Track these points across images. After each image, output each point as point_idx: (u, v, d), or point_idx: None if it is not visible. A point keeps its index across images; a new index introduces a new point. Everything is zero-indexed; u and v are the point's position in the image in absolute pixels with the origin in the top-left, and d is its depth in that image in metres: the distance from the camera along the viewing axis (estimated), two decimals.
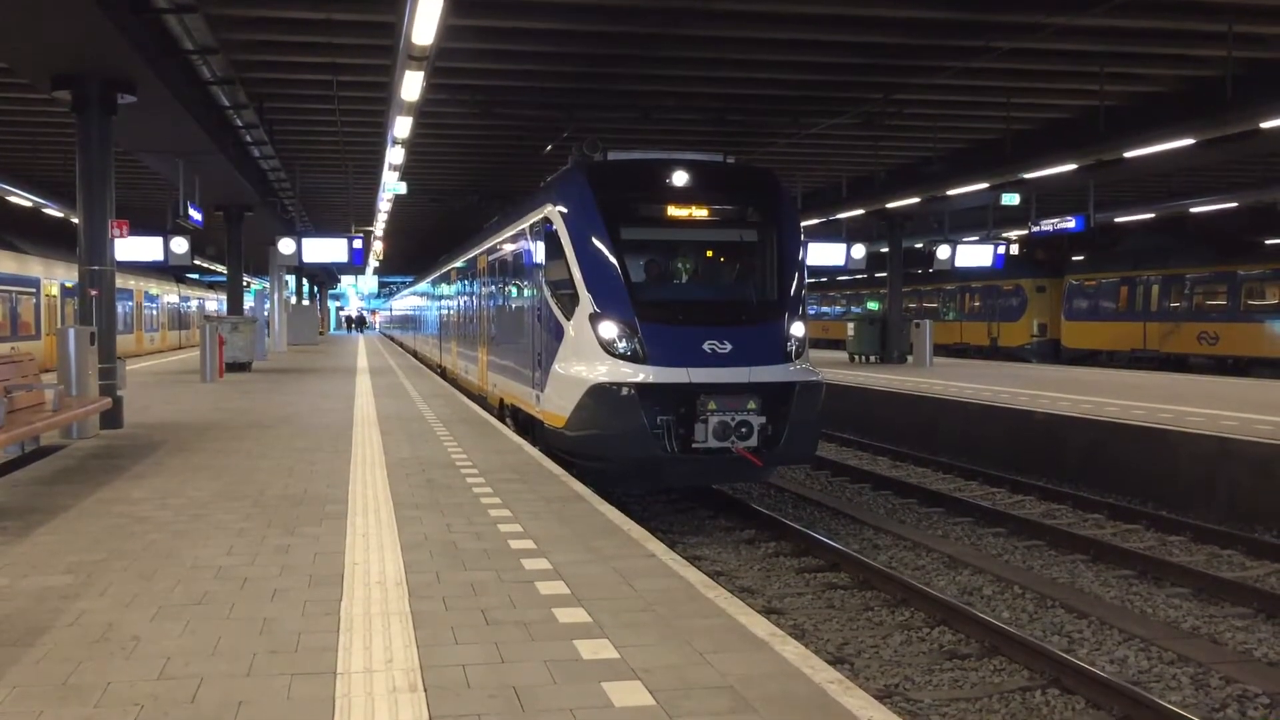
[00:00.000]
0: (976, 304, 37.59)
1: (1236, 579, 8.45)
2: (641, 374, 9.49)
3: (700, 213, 10.54)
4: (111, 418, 11.52)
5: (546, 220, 10.88)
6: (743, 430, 9.42)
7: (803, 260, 10.70)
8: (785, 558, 9.45)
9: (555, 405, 10.21)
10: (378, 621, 4.55)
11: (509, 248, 13.66)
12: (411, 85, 11.40)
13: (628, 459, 9.64)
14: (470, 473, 8.65)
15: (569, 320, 10.12)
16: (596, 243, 10.09)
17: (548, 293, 10.72)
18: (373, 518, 6.77)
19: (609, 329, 9.70)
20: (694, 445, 9.43)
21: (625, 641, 4.32)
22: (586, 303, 9.90)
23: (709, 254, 11.29)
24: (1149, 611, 7.89)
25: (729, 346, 9.63)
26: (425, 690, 3.75)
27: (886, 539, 10.27)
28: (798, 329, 10.16)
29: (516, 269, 13.09)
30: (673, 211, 10.47)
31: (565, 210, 10.49)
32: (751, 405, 9.52)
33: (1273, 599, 7.83)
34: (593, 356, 9.75)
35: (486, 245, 16.22)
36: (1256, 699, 6.06)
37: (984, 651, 6.89)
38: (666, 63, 15.32)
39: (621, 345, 9.64)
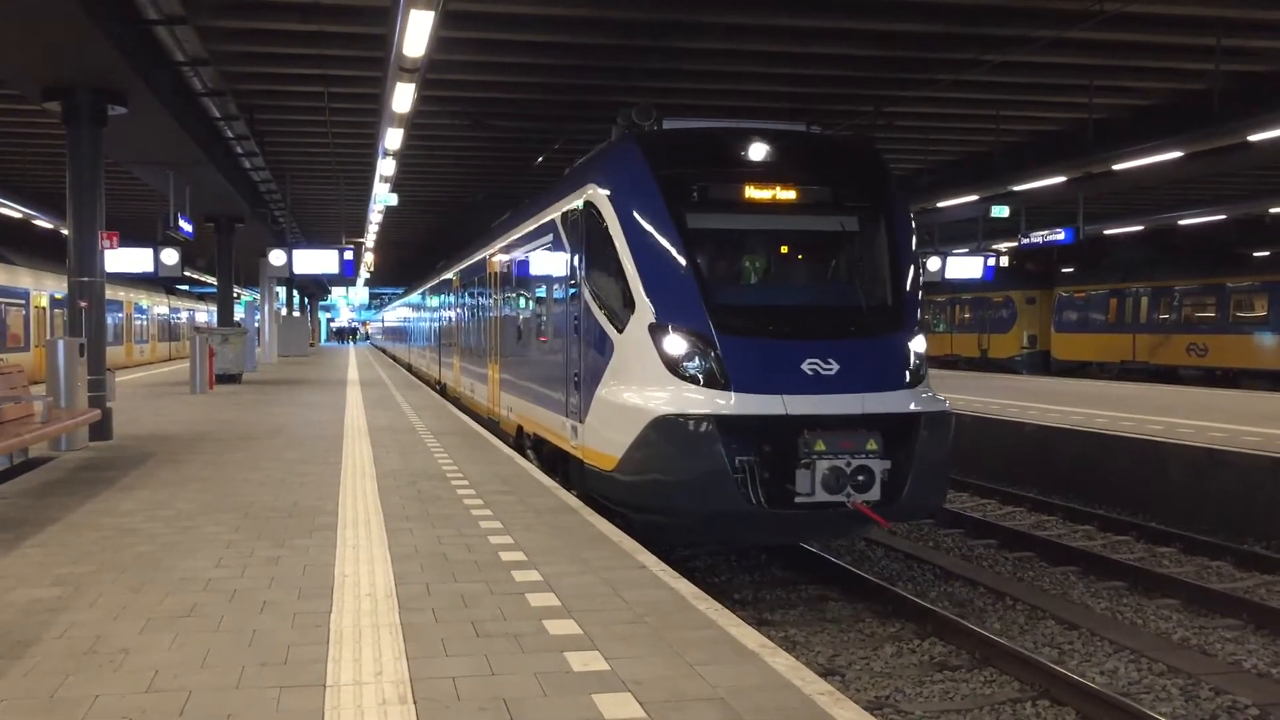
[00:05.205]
0: (966, 316, 37.72)
1: (1226, 590, 8.47)
2: (722, 402, 7.47)
3: (788, 194, 8.42)
4: (101, 429, 11.47)
5: (589, 204, 8.73)
6: (860, 478, 7.35)
7: (918, 254, 8.73)
8: (776, 569, 9.44)
9: (602, 441, 8.17)
10: (367, 633, 4.53)
11: (532, 243, 11.42)
12: (402, 97, 11.43)
13: (703, 514, 7.54)
14: (461, 484, 8.63)
15: (620, 332, 8.07)
16: (656, 232, 8.03)
17: (589, 296, 8.64)
18: (363, 529, 6.75)
19: (676, 344, 7.67)
20: (796, 498, 7.35)
21: (616, 653, 4.31)
22: (644, 309, 7.85)
23: (800, 247, 9.00)
24: (1139, 623, 7.91)
25: (836, 367, 7.62)
26: (415, 703, 3.74)
27: (878, 551, 10.27)
28: (919, 344, 8.14)
29: (543, 267, 10.86)
30: (753, 193, 8.36)
31: (613, 191, 8.39)
32: (871, 445, 7.42)
33: (1262, 610, 7.85)
34: (654, 379, 7.70)
35: (501, 242, 13.86)
36: (1246, 710, 6.08)
37: (975, 663, 6.89)
38: (656, 75, 15.38)
39: (693, 365, 7.62)
